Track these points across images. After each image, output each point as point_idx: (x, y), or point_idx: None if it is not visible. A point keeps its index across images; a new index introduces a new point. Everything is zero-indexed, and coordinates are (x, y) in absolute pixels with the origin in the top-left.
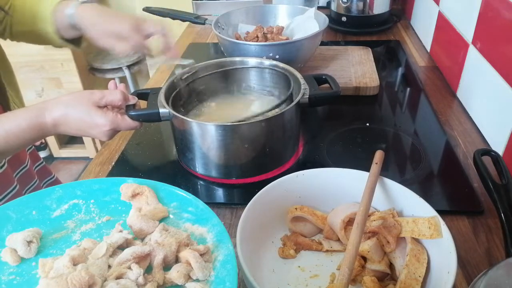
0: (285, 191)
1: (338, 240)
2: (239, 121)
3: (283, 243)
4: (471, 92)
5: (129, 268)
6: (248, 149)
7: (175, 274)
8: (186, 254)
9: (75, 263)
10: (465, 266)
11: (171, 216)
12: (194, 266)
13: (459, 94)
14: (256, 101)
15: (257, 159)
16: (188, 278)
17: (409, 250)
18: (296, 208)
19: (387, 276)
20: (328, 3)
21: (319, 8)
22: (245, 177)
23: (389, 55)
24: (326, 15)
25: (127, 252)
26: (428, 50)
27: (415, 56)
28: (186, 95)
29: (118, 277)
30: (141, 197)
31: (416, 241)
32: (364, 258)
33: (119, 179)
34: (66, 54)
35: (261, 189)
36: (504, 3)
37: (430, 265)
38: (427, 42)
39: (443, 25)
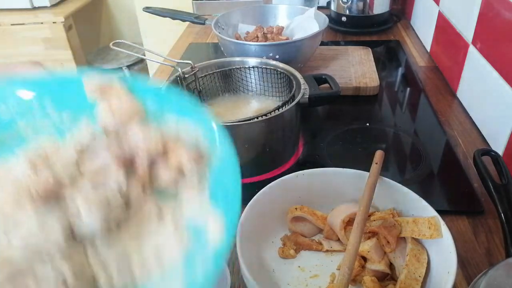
0: (285, 191)
1: (338, 240)
2: (239, 121)
3: (283, 243)
4: (471, 92)
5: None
6: (248, 149)
7: (163, 176)
8: (175, 154)
9: (33, 166)
10: (465, 266)
11: (149, 116)
12: (187, 167)
13: (459, 94)
14: (256, 101)
15: (257, 159)
16: (179, 182)
17: (409, 250)
18: (296, 208)
19: (387, 276)
20: (328, 3)
21: (319, 8)
22: (245, 177)
23: (389, 55)
24: (326, 15)
25: (103, 156)
26: (428, 50)
27: (415, 56)
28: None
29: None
30: (110, 94)
31: (416, 241)
32: (364, 258)
33: (79, 71)
34: (66, 54)
35: (261, 189)
36: (504, 3)
37: (430, 265)
38: (427, 42)
39: (443, 25)
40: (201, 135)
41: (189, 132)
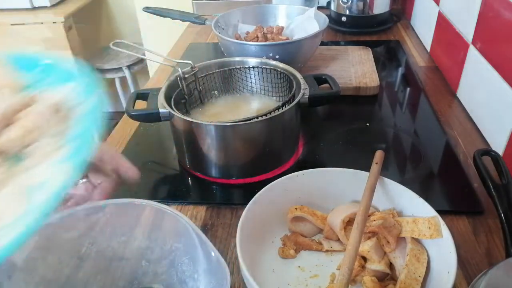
0: (285, 191)
1: (338, 240)
2: (239, 121)
3: (283, 243)
4: (471, 92)
5: None
6: (248, 149)
7: (8, 135)
8: (29, 110)
9: None
10: (465, 266)
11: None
12: (39, 120)
13: (459, 94)
14: (256, 101)
15: (257, 159)
16: (34, 139)
17: (409, 250)
18: (296, 208)
19: (387, 276)
20: (328, 3)
21: (319, 8)
22: (245, 177)
23: (389, 55)
24: (326, 15)
25: None
26: (428, 50)
27: (415, 56)
28: (186, 95)
29: None
30: None
31: (416, 241)
32: (364, 258)
33: None
34: (66, 54)
35: (261, 189)
36: (504, 3)
37: (430, 265)
38: (427, 42)
39: (443, 25)
40: (69, 94)
41: (55, 94)
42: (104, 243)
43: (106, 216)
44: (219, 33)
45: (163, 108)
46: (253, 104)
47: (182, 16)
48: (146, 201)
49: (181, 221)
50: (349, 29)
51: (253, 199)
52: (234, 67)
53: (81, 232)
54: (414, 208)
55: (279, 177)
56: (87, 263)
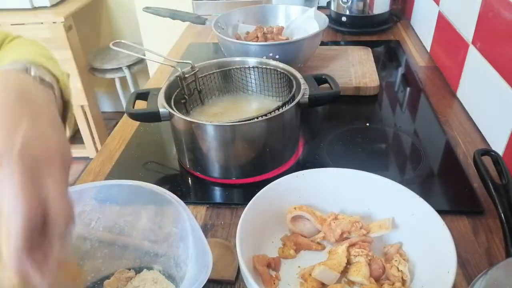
0: (285, 191)
1: (336, 241)
2: (239, 121)
3: (283, 243)
4: (471, 92)
5: None
6: (248, 149)
7: None
8: None
9: None
10: (465, 266)
11: None
12: None
13: (459, 94)
14: (256, 101)
15: (257, 159)
16: None
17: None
18: (295, 208)
19: (383, 276)
20: (328, 3)
21: (319, 8)
22: (245, 177)
23: (389, 55)
24: (326, 15)
25: None
26: (428, 50)
27: (415, 56)
28: (186, 95)
29: None
30: None
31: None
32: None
33: None
34: (66, 54)
35: (261, 189)
36: (504, 3)
37: (430, 265)
38: (427, 42)
39: (443, 25)
40: None
41: None
42: (111, 220)
43: (115, 196)
44: (219, 33)
45: (163, 108)
46: (253, 104)
47: (182, 16)
48: (152, 185)
49: (178, 207)
50: (349, 29)
51: (253, 199)
52: (234, 67)
53: (90, 208)
54: (414, 208)
55: (279, 177)
56: (94, 236)
